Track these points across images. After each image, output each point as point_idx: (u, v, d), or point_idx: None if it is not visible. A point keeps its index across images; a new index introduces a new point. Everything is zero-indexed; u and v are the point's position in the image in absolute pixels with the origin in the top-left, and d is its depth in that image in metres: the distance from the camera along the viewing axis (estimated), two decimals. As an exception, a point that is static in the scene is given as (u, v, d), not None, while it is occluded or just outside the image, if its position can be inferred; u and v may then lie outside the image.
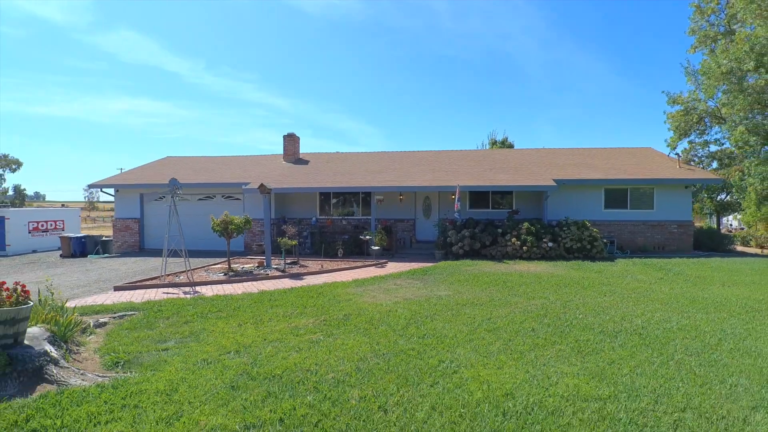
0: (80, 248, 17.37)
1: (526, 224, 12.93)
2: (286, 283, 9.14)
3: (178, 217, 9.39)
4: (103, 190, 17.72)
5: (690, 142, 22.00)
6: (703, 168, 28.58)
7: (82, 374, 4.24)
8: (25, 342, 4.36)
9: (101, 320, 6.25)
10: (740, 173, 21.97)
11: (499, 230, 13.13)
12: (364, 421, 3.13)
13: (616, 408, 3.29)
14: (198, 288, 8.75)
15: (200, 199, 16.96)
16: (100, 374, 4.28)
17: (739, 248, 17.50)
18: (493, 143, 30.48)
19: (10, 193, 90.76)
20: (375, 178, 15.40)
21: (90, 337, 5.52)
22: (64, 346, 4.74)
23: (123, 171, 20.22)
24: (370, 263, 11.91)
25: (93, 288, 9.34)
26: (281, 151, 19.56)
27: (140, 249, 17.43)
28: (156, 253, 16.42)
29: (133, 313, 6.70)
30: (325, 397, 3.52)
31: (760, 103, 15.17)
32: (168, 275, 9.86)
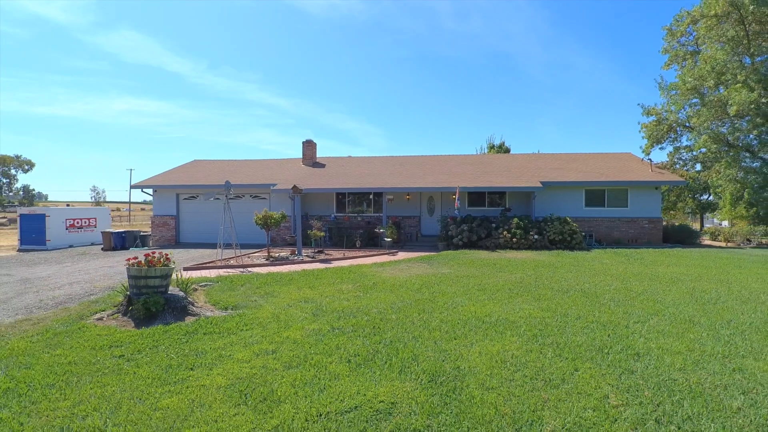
0: (120, 242, 19.51)
1: (515, 220, 15.10)
2: (319, 266, 11.32)
3: (231, 212, 11.55)
4: (143, 190, 19.90)
5: (675, 148, 24.16)
6: (687, 170, 30.74)
7: (210, 311, 6.42)
8: (168, 291, 6.53)
9: (192, 287, 8.42)
10: (717, 174, 24.14)
11: (493, 225, 15.31)
12: (401, 325, 5.31)
13: (550, 321, 5.46)
14: (249, 269, 10.92)
15: (230, 199, 19.11)
16: (222, 311, 6.45)
17: (707, 242, 19.63)
18: (491, 147, 32.75)
19: (21, 193, 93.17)
20: (385, 180, 17.57)
21: (192, 296, 7.69)
22: (188, 297, 6.90)
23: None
24: (383, 252, 14.09)
25: (161, 270, 11.50)
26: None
27: (176, 242, 19.60)
28: (191, 245, 18.57)
29: (211, 283, 8.87)
30: (374, 318, 5.70)
31: (725, 114, 17.31)
32: (221, 260, 12.03)
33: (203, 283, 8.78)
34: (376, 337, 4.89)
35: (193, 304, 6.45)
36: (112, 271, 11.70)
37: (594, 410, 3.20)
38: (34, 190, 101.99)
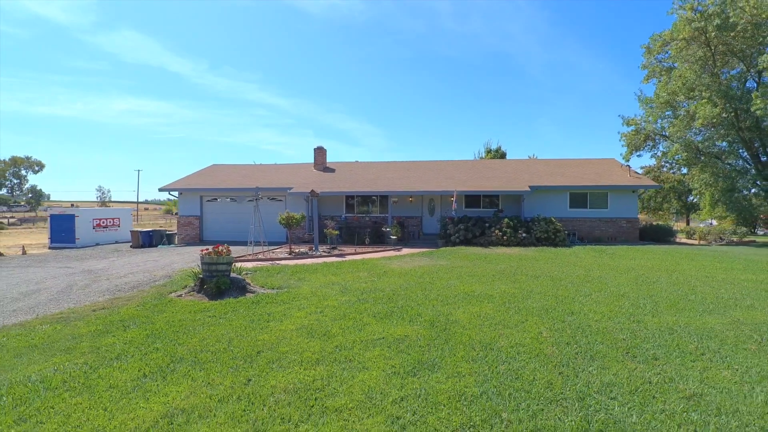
0: (148, 240, 21.42)
1: (506, 220, 17.05)
2: (336, 259, 13.29)
3: (260, 213, 13.51)
4: (171, 193, 21.89)
5: (662, 153, 26.14)
6: (674, 173, 32.54)
7: (263, 290, 8.39)
8: (231, 275, 8.49)
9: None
10: (698, 177, 26.05)
11: (487, 224, 17.26)
12: (408, 297, 7.28)
13: (518, 295, 7.43)
14: (277, 262, 12.88)
15: (249, 201, 21.11)
16: (271, 290, 8.42)
17: (683, 240, 21.52)
18: (488, 151, 34.85)
19: (30, 194, 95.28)
20: (391, 185, 19.54)
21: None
22: (245, 279, 8.87)
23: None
24: (390, 248, 16.05)
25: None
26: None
27: (200, 240, 21.57)
28: (214, 243, 20.47)
29: (251, 272, 10.82)
30: (388, 293, 7.68)
31: (694, 123, 19.24)
32: (251, 254, 14.00)
33: (245, 272, 10.74)
34: (391, 303, 6.87)
35: (249, 285, 8.43)
36: (158, 264, 13.66)
37: (530, 339, 5.16)
38: (41, 190, 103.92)
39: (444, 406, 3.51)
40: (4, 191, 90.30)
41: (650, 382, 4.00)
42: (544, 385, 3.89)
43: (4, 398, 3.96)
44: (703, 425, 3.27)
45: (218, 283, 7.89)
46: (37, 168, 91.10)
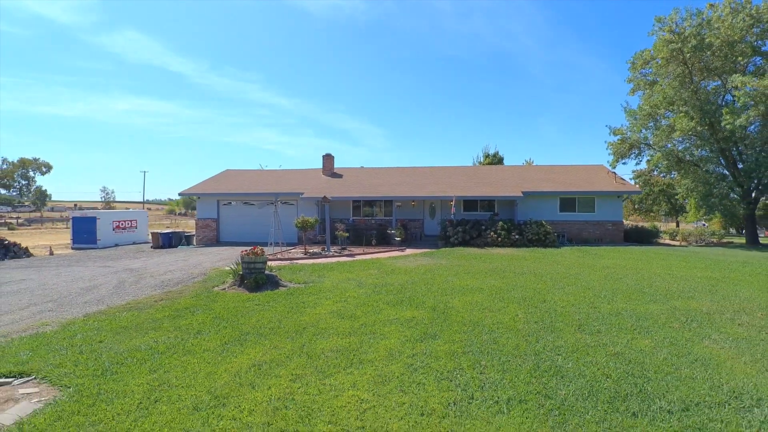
0: (167, 241, 23.06)
1: (501, 223, 18.70)
2: (347, 259, 14.93)
3: (279, 218, 15.15)
4: (191, 197, 23.53)
5: (647, 160, 27.80)
6: (664, 177, 34.13)
7: (292, 284, 10.04)
8: (265, 272, 10.13)
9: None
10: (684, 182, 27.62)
11: (483, 227, 18.91)
12: (414, 290, 8.94)
13: (504, 288, 9.08)
14: (295, 261, 14.52)
15: (268, 204, 22.74)
16: (299, 285, 10.06)
17: (667, 241, 23.15)
18: (486, 156, 36.63)
19: (32, 195, 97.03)
20: (395, 190, 21.19)
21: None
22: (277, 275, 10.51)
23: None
24: (394, 249, 17.71)
25: (227, 262, 15.10)
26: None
27: (217, 241, 23.23)
28: (230, 244, 22.16)
29: (276, 270, 12.46)
30: (397, 287, 9.33)
31: (676, 133, 20.88)
32: (271, 254, 15.64)
33: (274, 270, 12.39)
34: (400, 294, 8.52)
35: (281, 280, 10.09)
36: (188, 263, 15.27)
37: (508, 319, 6.81)
38: (46, 190, 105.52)
39: (442, 358, 5.17)
40: (12, 192, 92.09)
41: (588, 346, 5.64)
42: (512, 347, 5.54)
43: (129, 359, 5.61)
44: (615, 369, 4.91)
45: (257, 278, 9.54)
46: (44, 169, 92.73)
